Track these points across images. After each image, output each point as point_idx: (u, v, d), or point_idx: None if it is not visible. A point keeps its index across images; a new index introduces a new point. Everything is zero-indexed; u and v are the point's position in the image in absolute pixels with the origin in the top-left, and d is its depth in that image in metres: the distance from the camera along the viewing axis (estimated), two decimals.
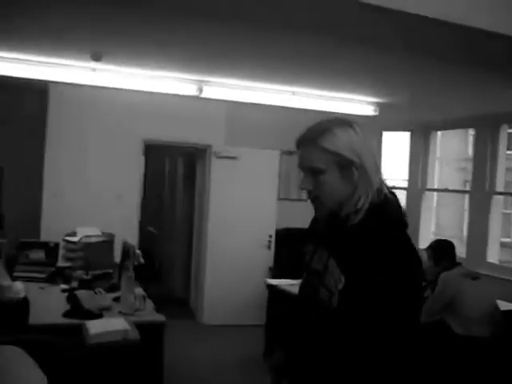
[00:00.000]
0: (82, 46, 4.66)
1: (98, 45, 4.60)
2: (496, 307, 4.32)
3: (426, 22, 3.16)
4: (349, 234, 1.74)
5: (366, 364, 1.64)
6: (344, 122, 1.80)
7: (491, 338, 4.03)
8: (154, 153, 7.65)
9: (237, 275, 7.10)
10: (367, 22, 3.36)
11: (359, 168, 1.73)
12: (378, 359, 1.63)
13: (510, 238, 13.12)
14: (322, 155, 1.75)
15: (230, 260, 7.10)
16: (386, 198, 1.77)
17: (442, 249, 4.57)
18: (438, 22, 3.14)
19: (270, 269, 7.17)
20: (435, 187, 7.81)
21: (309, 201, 1.87)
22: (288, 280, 5.73)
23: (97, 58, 4.70)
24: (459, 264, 4.50)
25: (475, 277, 4.40)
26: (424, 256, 4.57)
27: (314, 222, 2.03)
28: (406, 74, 5.10)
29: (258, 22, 3.77)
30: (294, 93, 6.21)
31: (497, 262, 6.58)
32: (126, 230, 5.87)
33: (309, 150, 1.78)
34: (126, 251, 4.48)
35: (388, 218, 1.75)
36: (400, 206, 1.81)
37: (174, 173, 8.82)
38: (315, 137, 1.77)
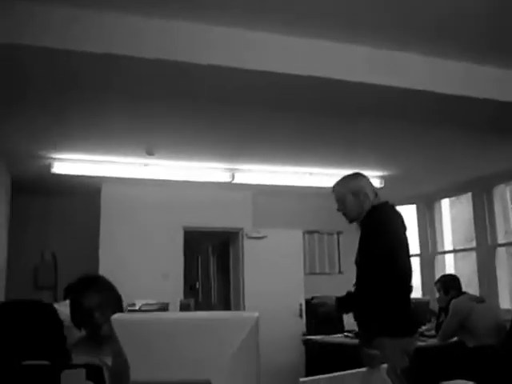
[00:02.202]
0: (135, 143, 5.77)
1: (150, 141, 5.70)
2: (500, 322, 5.08)
3: (416, 94, 4.16)
4: (360, 225, 3.27)
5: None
6: (356, 174, 3.45)
7: (499, 345, 4.77)
8: (189, 237, 8.56)
9: (274, 343, 7.78)
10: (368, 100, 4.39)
11: (362, 194, 3.28)
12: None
13: None
14: (344, 191, 3.35)
15: (266, 329, 7.80)
16: (377, 205, 3.29)
17: (449, 281, 5.42)
18: (428, 93, 4.14)
19: (304, 334, 7.87)
20: (447, 249, 8.64)
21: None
22: (321, 335, 6.49)
23: (150, 153, 5.77)
24: (465, 292, 5.31)
25: (481, 300, 5.20)
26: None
27: None
28: (408, 144, 6.14)
29: (277, 111, 4.86)
30: (310, 173, 7.25)
31: (510, 307, 7.24)
32: (172, 306, 6.69)
33: (336, 190, 3.42)
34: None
35: (371, 211, 3.25)
36: (385, 204, 3.32)
37: (207, 255, 9.73)
38: (339, 183, 3.44)
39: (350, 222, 3.40)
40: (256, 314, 1.56)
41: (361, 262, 3.13)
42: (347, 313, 3.25)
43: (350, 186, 3.33)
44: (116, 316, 1.69)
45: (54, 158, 6.21)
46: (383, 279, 2.94)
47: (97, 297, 2.39)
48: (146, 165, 6.34)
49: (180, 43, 3.45)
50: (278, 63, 3.65)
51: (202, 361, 1.41)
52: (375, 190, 3.39)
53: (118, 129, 5.34)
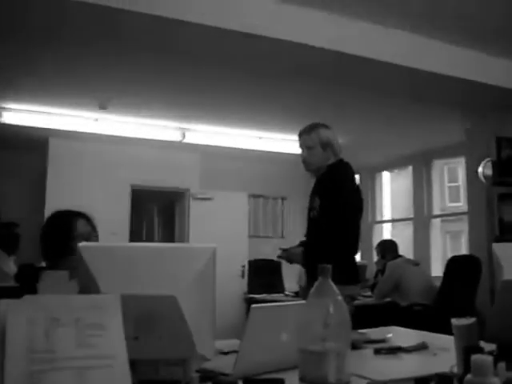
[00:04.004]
0: (88, 96, 5.75)
1: (104, 95, 5.70)
2: (432, 285, 5.42)
3: (372, 64, 4.31)
4: (320, 178, 3.31)
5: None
6: (324, 124, 3.37)
7: (431, 304, 5.10)
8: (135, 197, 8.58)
9: (217, 301, 7.96)
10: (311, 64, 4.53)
11: (330, 148, 3.29)
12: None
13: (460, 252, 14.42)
14: (313, 139, 3.30)
15: None
16: (339, 161, 3.33)
17: (387, 245, 5.73)
18: (380, 63, 4.31)
19: (245, 293, 8.11)
20: (385, 219, 9.01)
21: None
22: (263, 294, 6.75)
23: (103, 107, 5.77)
24: (401, 256, 5.61)
25: (416, 263, 5.52)
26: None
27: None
28: (354, 114, 6.34)
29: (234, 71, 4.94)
30: (260, 137, 7.39)
31: (440, 275, 7.63)
32: None
33: (306, 136, 3.33)
34: None
35: (336, 165, 3.30)
36: (343, 163, 3.33)
37: (152, 216, 9.80)
38: (310, 130, 3.34)
39: (307, 171, 3.42)
40: (215, 245, 1.69)
41: (318, 217, 3.20)
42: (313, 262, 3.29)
43: (322, 137, 3.29)
44: (83, 244, 1.80)
45: (2, 108, 6.11)
46: (339, 234, 3.08)
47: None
48: (96, 119, 6.33)
49: None
50: (234, 21, 3.69)
51: (167, 281, 1.55)
52: (339, 146, 3.38)
53: (71, 80, 5.29)
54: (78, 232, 2.54)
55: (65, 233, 2.53)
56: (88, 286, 1.65)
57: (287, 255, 3.32)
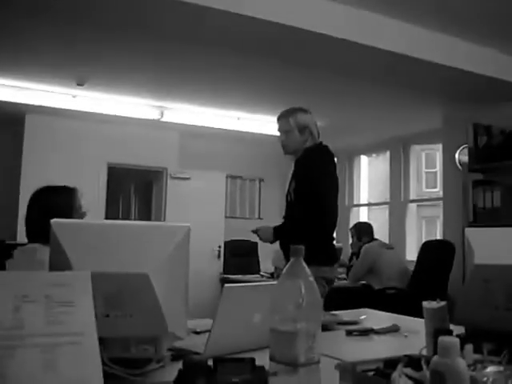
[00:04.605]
0: (66, 72, 5.65)
1: (82, 71, 5.61)
2: (406, 269, 5.48)
3: (350, 47, 4.29)
4: (297, 161, 3.37)
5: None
6: (302, 109, 3.42)
7: (405, 287, 5.17)
8: (112, 176, 8.53)
9: (192, 280, 7.96)
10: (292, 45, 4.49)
11: (307, 131, 3.33)
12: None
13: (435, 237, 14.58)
14: (290, 124, 3.35)
15: None
16: (317, 145, 3.38)
17: (362, 228, 5.77)
18: (361, 46, 4.27)
19: (221, 274, 8.13)
20: (362, 202, 9.07)
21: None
22: (239, 275, 6.76)
23: (80, 83, 5.68)
24: (377, 239, 5.66)
25: (390, 247, 5.57)
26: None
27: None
28: (329, 97, 6.33)
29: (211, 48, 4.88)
30: (238, 118, 7.37)
31: (415, 259, 7.72)
32: None
33: (283, 121, 3.40)
34: None
35: (312, 149, 3.36)
36: (320, 147, 3.40)
37: (128, 195, 9.74)
38: (288, 114, 3.40)
39: (285, 154, 3.48)
40: (188, 225, 1.69)
41: (294, 199, 3.30)
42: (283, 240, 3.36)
43: (299, 121, 3.35)
44: (56, 220, 1.78)
45: None
46: (314, 217, 3.16)
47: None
48: (74, 96, 6.25)
49: None
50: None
51: (140, 259, 1.54)
52: (318, 129, 3.43)
53: (49, 55, 5.16)
54: (78, 205, 2.55)
55: (67, 206, 2.53)
56: (59, 262, 1.64)
57: (258, 231, 3.40)
